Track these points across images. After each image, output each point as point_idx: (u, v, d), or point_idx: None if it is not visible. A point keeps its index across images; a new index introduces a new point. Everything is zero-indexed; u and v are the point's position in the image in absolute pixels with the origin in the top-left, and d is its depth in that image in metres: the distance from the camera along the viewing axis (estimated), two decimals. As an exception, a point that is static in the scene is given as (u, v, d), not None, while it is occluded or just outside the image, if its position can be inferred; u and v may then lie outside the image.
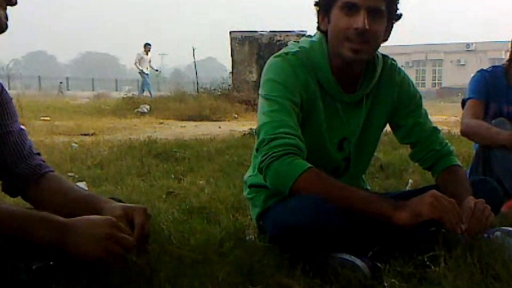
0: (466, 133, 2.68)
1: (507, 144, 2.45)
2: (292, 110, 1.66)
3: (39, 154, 1.58)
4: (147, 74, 16.59)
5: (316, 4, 1.74)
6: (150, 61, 16.71)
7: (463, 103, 2.78)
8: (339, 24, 1.63)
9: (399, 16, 1.73)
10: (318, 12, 1.74)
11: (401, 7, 1.72)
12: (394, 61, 1.87)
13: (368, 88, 1.79)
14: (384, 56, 1.84)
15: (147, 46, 16.42)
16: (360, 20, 1.58)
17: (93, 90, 37.00)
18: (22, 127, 1.58)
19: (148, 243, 1.43)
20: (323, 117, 1.75)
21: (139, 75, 17.21)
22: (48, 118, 9.51)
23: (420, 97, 1.90)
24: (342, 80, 1.75)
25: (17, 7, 1.33)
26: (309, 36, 1.83)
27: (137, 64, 16.32)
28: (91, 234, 1.25)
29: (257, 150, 1.66)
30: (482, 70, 2.83)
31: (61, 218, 1.26)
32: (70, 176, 3.56)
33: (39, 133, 6.72)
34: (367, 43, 1.64)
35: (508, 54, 2.75)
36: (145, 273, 1.48)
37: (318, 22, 1.76)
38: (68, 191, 1.50)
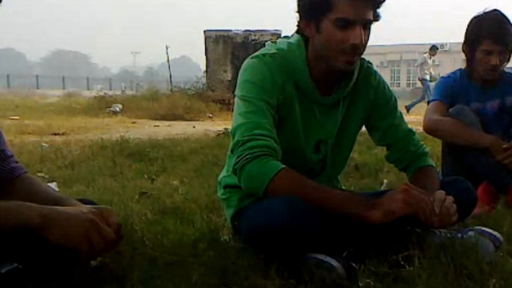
0: (430, 128, 2.60)
1: (490, 147, 2.36)
2: (268, 112, 1.65)
3: (12, 156, 1.54)
4: (428, 80, 13.66)
5: (299, 10, 1.70)
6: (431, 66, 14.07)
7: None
8: (334, 39, 1.62)
9: (379, 17, 1.73)
10: (301, 17, 1.70)
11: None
12: (370, 63, 1.88)
13: (345, 91, 1.79)
14: (360, 58, 1.84)
15: (433, 50, 13.93)
16: (358, 36, 1.59)
17: (64, 88, 36.48)
18: None
19: (121, 244, 1.41)
20: (300, 119, 1.75)
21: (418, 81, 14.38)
22: (17, 117, 9.32)
23: (395, 100, 1.92)
24: (320, 82, 1.75)
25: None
26: (286, 37, 1.82)
27: (420, 68, 13.94)
28: (75, 219, 1.23)
29: (232, 151, 1.65)
30: (443, 77, 2.84)
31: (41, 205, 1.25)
32: (41, 176, 3.48)
33: (8, 132, 6.56)
34: (360, 55, 1.67)
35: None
36: (117, 275, 1.46)
37: (299, 26, 1.72)
38: (39, 194, 1.47)
